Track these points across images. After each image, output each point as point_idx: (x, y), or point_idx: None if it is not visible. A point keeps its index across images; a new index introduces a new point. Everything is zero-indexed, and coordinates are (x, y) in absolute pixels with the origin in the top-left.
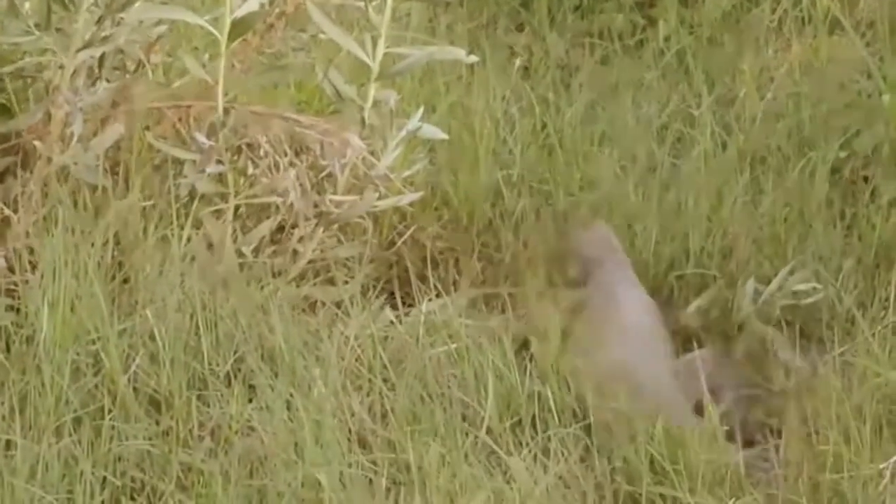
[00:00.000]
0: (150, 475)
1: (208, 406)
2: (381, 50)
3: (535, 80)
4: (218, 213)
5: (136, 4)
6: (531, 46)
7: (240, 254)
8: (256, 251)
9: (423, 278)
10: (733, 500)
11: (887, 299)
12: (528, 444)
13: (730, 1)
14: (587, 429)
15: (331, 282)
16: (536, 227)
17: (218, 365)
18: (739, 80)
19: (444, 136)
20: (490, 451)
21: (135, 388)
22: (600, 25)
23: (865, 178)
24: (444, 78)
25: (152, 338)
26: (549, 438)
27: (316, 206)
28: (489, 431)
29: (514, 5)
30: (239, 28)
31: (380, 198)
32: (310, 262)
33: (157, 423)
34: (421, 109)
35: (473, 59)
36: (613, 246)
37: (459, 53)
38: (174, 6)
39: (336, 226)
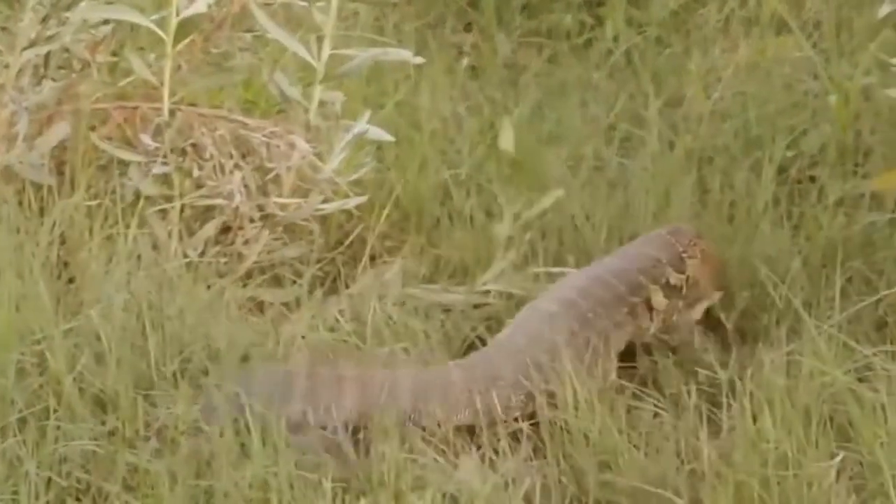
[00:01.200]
0: (95, 476)
1: (155, 406)
2: (326, 51)
3: (482, 79)
4: (163, 214)
5: (82, 4)
6: (479, 46)
7: (185, 254)
8: (203, 252)
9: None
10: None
11: (833, 298)
12: (477, 444)
13: (677, 1)
14: (536, 428)
15: (278, 282)
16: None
17: (164, 365)
18: (687, 80)
19: (391, 139)
20: (439, 448)
21: (80, 389)
22: (548, 25)
23: (812, 178)
24: (391, 77)
25: (98, 338)
26: (497, 438)
27: (261, 208)
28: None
29: (461, 5)
30: (185, 29)
31: (325, 200)
32: (256, 262)
33: (103, 423)
34: (368, 112)
35: (419, 60)
36: None
37: (406, 54)
38: (120, 6)
39: (281, 228)
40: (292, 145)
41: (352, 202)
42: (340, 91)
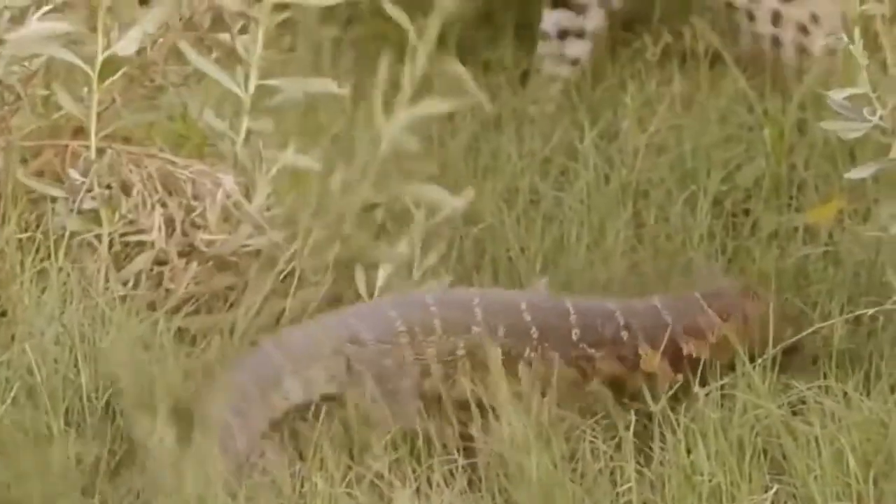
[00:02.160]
0: None
1: (87, 439)
2: (252, 82)
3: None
4: (93, 249)
5: (12, 36)
6: (398, 69)
7: (116, 289)
8: (135, 286)
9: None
10: None
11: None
12: (412, 477)
13: (612, 34)
14: (473, 462)
15: (209, 313)
16: None
17: (97, 398)
18: (622, 114)
19: (317, 167)
20: (373, 483)
21: (12, 422)
22: (485, 58)
23: (746, 211)
24: (327, 110)
25: (30, 371)
26: (432, 469)
27: (189, 244)
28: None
29: (398, 38)
30: (114, 64)
31: (251, 236)
32: (190, 295)
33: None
34: (292, 145)
35: (344, 91)
36: None
37: (331, 86)
38: (49, 40)
39: (210, 262)
40: (218, 183)
41: (275, 236)
42: (276, 127)
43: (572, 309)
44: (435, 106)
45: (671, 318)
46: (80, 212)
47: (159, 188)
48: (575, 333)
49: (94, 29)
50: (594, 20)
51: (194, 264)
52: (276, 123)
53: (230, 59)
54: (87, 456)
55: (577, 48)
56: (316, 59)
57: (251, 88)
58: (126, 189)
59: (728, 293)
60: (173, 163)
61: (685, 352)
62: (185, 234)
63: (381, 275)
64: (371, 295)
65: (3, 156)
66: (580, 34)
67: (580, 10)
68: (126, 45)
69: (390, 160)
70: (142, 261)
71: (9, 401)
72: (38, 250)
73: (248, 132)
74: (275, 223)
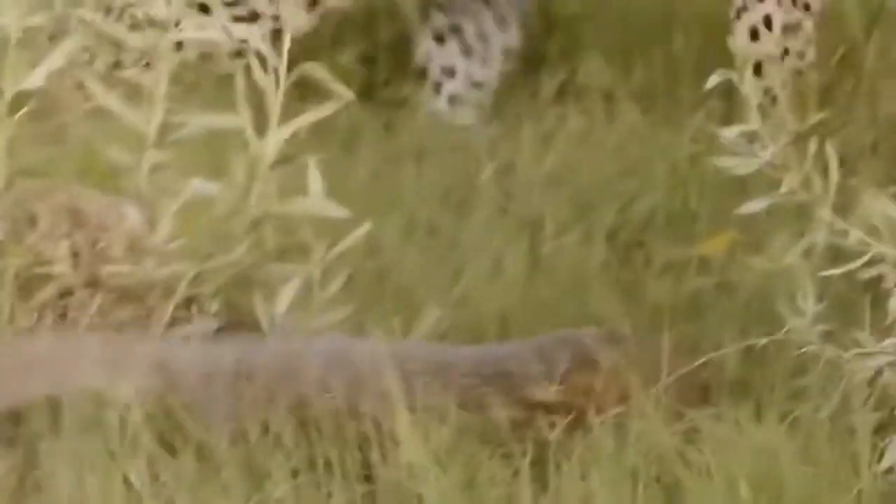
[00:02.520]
0: None
1: None
2: (157, 116)
3: (322, 144)
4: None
5: None
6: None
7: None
8: (41, 317)
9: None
10: None
11: (658, 361)
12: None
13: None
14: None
15: None
16: None
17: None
18: (519, 147)
19: (218, 194)
20: None
21: None
22: (387, 95)
23: (641, 243)
24: (232, 144)
25: None
26: (331, 496)
27: (94, 275)
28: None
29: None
30: (22, 100)
31: (154, 267)
32: (95, 326)
33: None
34: (196, 178)
35: (248, 128)
36: None
37: (235, 120)
38: None
39: (115, 294)
40: (122, 216)
41: (180, 268)
42: (183, 160)
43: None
44: (305, 118)
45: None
46: None
47: (65, 220)
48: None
49: None
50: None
51: (99, 296)
52: (181, 156)
53: (135, 94)
54: None
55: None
56: (219, 93)
57: (155, 122)
58: (32, 221)
59: (582, 341)
60: (78, 196)
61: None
62: (90, 265)
63: (281, 300)
64: (271, 322)
65: None
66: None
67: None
68: (35, 80)
69: (273, 178)
70: (47, 292)
71: None
72: None
73: (153, 166)
74: (177, 254)
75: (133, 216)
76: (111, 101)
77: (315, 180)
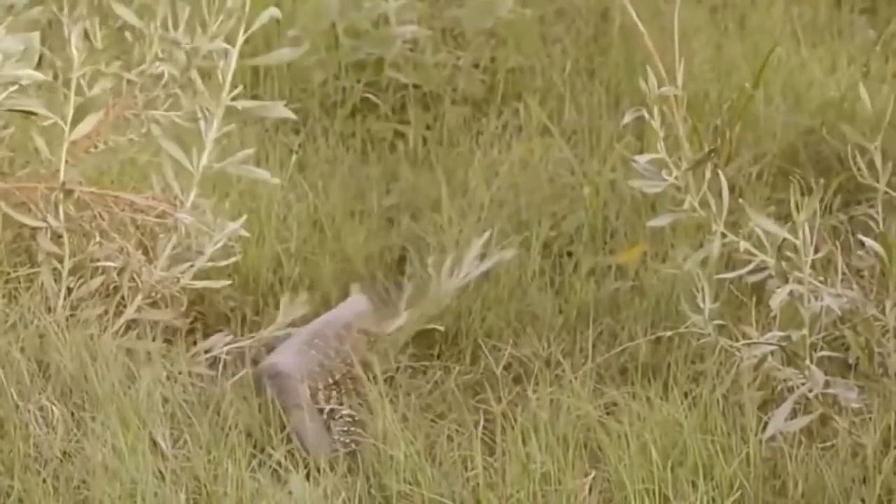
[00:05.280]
0: None
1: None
2: (203, 162)
3: (307, 172)
4: (56, 275)
5: None
6: (305, 146)
7: (73, 307)
8: (88, 307)
9: (218, 330)
10: None
11: (586, 349)
12: (303, 463)
13: (464, 111)
14: (353, 453)
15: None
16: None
17: (48, 398)
18: (472, 174)
19: (247, 235)
20: (272, 468)
21: None
22: (364, 129)
23: (570, 253)
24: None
25: None
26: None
27: (138, 275)
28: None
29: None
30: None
31: (194, 278)
32: (133, 321)
33: None
34: (244, 217)
35: (276, 180)
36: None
37: (265, 174)
38: (30, 99)
39: (158, 294)
40: (174, 226)
41: (218, 284)
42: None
43: None
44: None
45: None
46: (51, 239)
47: (125, 225)
48: None
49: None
50: None
51: (140, 295)
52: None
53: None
54: None
55: None
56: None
57: (201, 167)
58: (90, 223)
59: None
60: (133, 203)
61: None
62: (135, 267)
63: None
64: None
65: None
66: None
67: None
68: (96, 93)
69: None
70: (94, 284)
71: None
72: (7, 280)
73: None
74: (223, 271)
75: (185, 221)
76: (167, 143)
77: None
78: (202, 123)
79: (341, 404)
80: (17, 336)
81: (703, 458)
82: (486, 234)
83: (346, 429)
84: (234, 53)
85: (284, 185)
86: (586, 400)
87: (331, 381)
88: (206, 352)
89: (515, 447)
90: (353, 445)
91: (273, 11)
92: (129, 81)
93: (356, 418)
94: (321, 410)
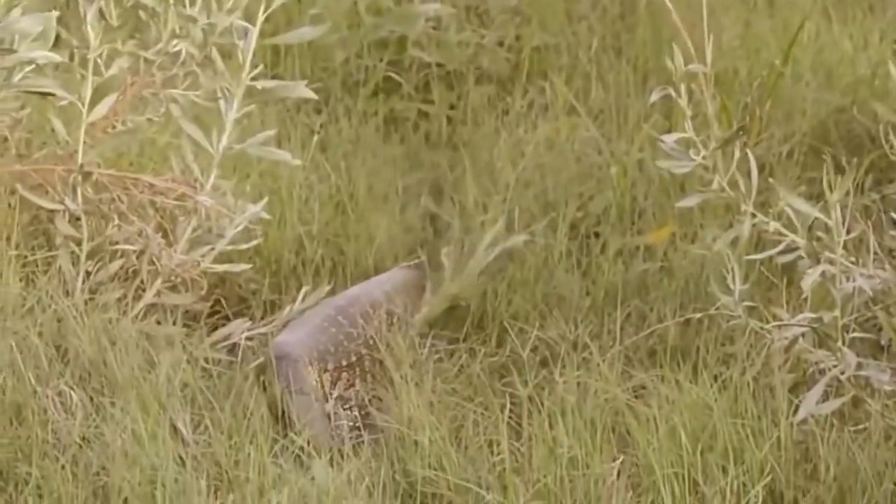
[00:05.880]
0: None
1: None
2: (223, 143)
3: (329, 153)
4: (75, 258)
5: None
6: (327, 126)
7: (91, 291)
8: (106, 291)
9: (238, 314)
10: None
11: (614, 331)
12: (326, 449)
13: (489, 90)
14: (376, 437)
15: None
16: None
17: (67, 383)
18: (497, 154)
19: (268, 217)
20: (294, 453)
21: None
22: (385, 109)
23: (597, 234)
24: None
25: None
26: (343, 443)
27: (158, 259)
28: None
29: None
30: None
31: (214, 261)
32: (152, 305)
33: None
34: (265, 200)
35: (297, 161)
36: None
37: (286, 155)
38: (47, 80)
39: (178, 278)
40: (196, 205)
41: (237, 267)
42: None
43: None
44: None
45: None
46: (69, 222)
47: (145, 208)
48: None
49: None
50: None
51: (159, 279)
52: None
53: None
54: None
55: None
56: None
57: (221, 148)
58: (109, 206)
59: None
60: (152, 185)
61: None
62: (154, 251)
63: None
64: None
65: None
66: None
67: None
68: (114, 73)
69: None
70: (114, 267)
71: None
72: (24, 264)
73: (214, 187)
74: (244, 254)
75: (209, 205)
76: (187, 125)
77: None
78: (222, 103)
79: (354, 388)
80: (35, 320)
81: (734, 442)
82: (511, 215)
83: (354, 417)
84: (255, 32)
85: (306, 165)
86: (614, 383)
87: (345, 363)
88: (226, 338)
89: (542, 431)
90: (361, 435)
91: None
92: (146, 60)
93: (368, 405)
94: (327, 396)
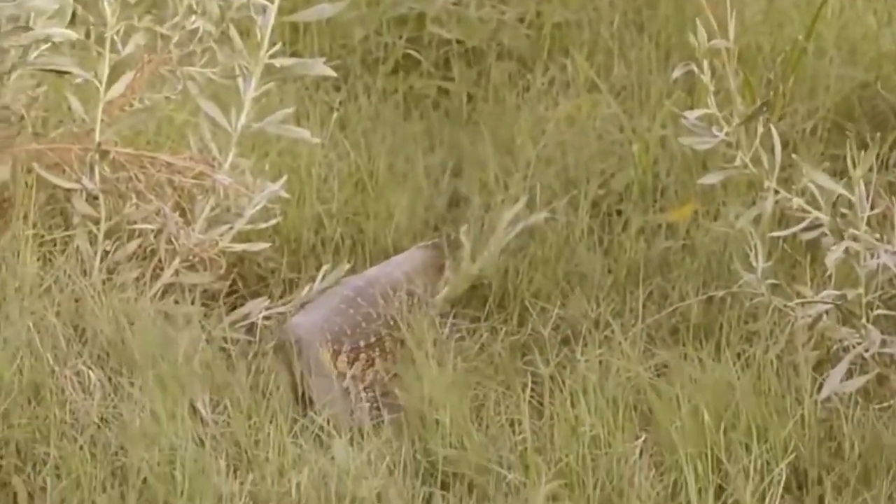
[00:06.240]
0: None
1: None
2: (241, 121)
3: (348, 130)
4: (92, 238)
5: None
6: (346, 104)
7: (109, 270)
8: (124, 270)
9: (256, 294)
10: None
11: (637, 309)
12: (346, 428)
13: (509, 67)
14: (397, 416)
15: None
16: None
17: (85, 363)
18: (517, 131)
19: (287, 196)
20: (314, 433)
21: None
22: (404, 87)
23: (619, 212)
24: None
25: (30, 343)
26: (363, 422)
27: (175, 238)
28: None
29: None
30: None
31: (233, 240)
32: (170, 284)
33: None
34: (284, 178)
35: (316, 140)
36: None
37: (305, 133)
38: (63, 58)
39: (196, 257)
40: (212, 188)
41: (257, 247)
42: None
43: None
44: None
45: None
46: (87, 201)
47: (162, 187)
48: None
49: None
50: None
51: (178, 259)
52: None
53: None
54: None
55: None
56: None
57: (239, 126)
58: (126, 184)
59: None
60: (170, 163)
61: None
62: (172, 230)
63: None
64: None
65: (12, 165)
66: None
67: None
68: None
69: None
70: (132, 247)
71: (16, 363)
72: (41, 244)
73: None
74: (263, 233)
75: (227, 184)
76: (206, 103)
77: None
78: (240, 81)
79: (374, 368)
80: (53, 300)
81: (757, 421)
82: (532, 193)
83: (374, 397)
84: (273, 9)
85: (325, 144)
86: (636, 361)
87: (363, 343)
88: (245, 318)
89: (564, 410)
90: (381, 415)
91: None
92: (162, 36)
93: (389, 385)
94: (343, 377)
